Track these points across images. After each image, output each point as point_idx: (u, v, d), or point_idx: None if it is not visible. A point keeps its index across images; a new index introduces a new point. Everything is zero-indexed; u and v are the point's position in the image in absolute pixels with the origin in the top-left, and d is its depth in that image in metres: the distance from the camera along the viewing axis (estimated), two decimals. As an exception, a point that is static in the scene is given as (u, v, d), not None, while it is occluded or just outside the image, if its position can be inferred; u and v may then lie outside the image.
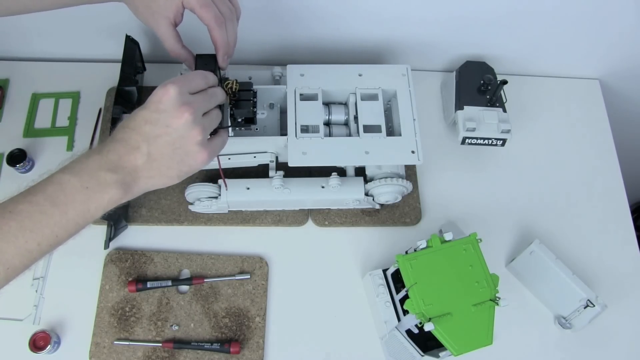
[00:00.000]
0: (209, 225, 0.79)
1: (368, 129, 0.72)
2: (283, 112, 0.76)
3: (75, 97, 0.87)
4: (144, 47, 0.82)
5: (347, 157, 0.71)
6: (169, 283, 0.74)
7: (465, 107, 0.82)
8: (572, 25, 0.84)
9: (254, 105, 0.67)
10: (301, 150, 0.70)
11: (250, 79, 0.77)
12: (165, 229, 0.79)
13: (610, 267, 0.81)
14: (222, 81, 0.63)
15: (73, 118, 0.85)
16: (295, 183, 0.74)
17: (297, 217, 0.80)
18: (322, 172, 0.75)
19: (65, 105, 0.86)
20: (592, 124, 0.92)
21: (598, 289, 0.76)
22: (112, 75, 0.81)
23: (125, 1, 0.60)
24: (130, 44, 0.78)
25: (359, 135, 0.72)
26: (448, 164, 0.86)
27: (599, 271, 0.80)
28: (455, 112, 0.83)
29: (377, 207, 0.79)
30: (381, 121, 0.73)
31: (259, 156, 0.74)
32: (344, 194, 0.75)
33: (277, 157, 0.75)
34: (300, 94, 0.73)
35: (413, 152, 0.71)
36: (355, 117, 0.74)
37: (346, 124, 0.76)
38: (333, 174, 0.73)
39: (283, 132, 0.73)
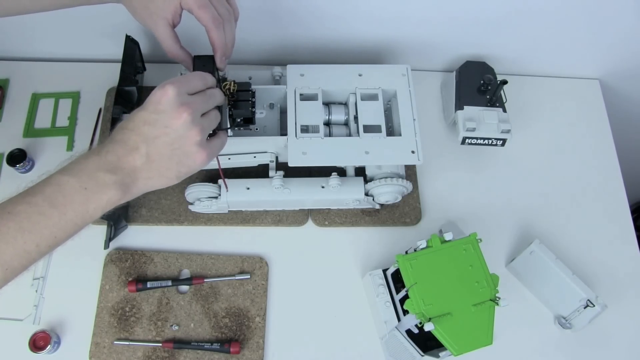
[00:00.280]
0: (209, 225, 0.79)
1: (368, 129, 0.72)
2: (283, 112, 0.76)
3: (75, 97, 0.87)
4: (144, 47, 0.82)
5: (347, 157, 0.71)
6: (169, 283, 0.74)
7: (465, 107, 0.82)
8: (572, 25, 0.84)
9: (253, 105, 0.68)
10: (301, 150, 0.70)
11: (250, 79, 0.77)
12: (165, 229, 0.79)
13: (610, 267, 0.81)
14: (220, 82, 0.63)
15: (73, 118, 0.85)
16: (295, 183, 0.74)
17: (297, 217, 0.80)
18: (322, 172, 0.75)
19: (65, 105, 0.86)
20: (592, 124, 0.92)
21: (598, 289, 0.76)
22: (112, 75, 0.81)
23: (123, 2, 0.60)
24: (130, 44, 0.78)
25: (359, 135, 0.72)
26: (448, 164, 0.86)
27: (599, 271, 0.80)
28: (455, 112, 0.83)
29: (377, 207, 0.79)
30: (381, 121, 0.73)
31: (259, 156, 0.74)
32: (344, 194, 0.75)
33: (277, 157, 0.75)
34: (300, 94, 0.73)
35: (413, 152, 0.71)
36: (355, 117, 0.74)
37: (346, 124, 0.76)
38: (333, 174, 0.73)
39: (283, 132, 0.73)
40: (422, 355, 0.65)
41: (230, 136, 0.68)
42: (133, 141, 0.51)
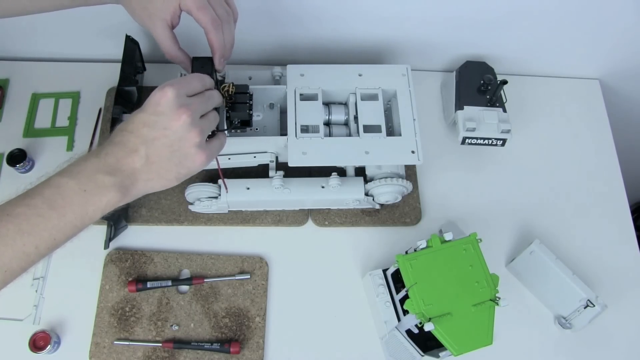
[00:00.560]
0: (209, 225, 0.79)
1: (368, 129, 0.72)
2: (283, 112, 0.76)
3: (75, 97, 0.87)
4: (144, 47, 0.82)
5: (347, 157, 0.71)
6: (169, 283, 0.74)
7: (465, 107, 0.82)
8: (572, 25, 0.84)
9: (250, 108, 0.68)
10: (301, 150, 0.70)
11: (250, 79, 0.77)
12: (165, 229, 0.79)
13: (610, 267, 0.81)
14: (218, 84, 0.63)
15: (73, 118, 0.85)
16: (295, 183, 0.74)
17: (297, 217, 0.80)
18: (322, 172, 0.75)
19: (65, 105, 0.86)
20: (592, 124, 0.92)
21: (598, 289, 0.76)
22: (112, 75, 0.81)
23: (122, 3, 0.60)
24: (130, 44, 0.78)
25: (359, 135, 0.72)
26: (448, 164, 0.86)
27: (599, 271, 0.80)
28: (455, 112, 0.83)
29: (377, 207, 0.79)
30: (381, 121, 0.73)
31: (259, 156, 0.74)
32: (344, 194, 0.75)
33: (277, 157, 0.75)
34: (300, 94, 0.73)
35: (413, 152, 0.71)
36: (355, 117, 0.74)
37: (346, 124, 0.76)
38: (333, 174, 0.73)
39: (283, 132, 0.73)
40: (422, 355, 0.65)
41: (228, 136, 0.69)
42: (132, 143, 0.51)
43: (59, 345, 0.71)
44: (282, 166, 0.73)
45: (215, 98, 0.57)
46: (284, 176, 0.73)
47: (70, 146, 0.83)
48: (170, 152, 0.52)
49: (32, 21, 0.69)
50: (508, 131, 0.79)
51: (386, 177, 0.73)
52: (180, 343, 0.71)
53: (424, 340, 0.65)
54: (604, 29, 0.84)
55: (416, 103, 0.74)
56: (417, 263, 0.63)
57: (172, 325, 0.72)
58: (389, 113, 0.78)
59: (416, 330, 0.65)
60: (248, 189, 0.74)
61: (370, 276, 0.73)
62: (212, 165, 0.61)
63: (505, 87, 0.80)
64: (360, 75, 0.76)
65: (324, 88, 0.74)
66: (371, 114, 0.73)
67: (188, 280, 0.74)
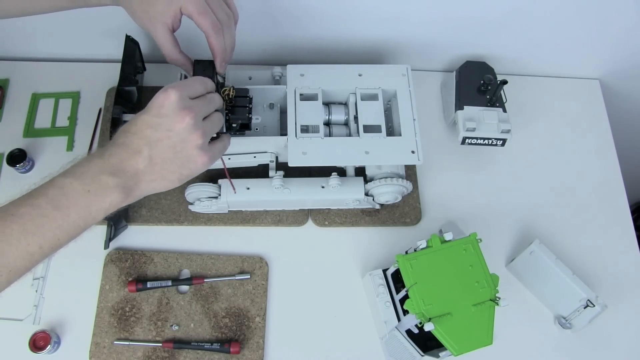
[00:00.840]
0: (209, 225, 0.79)
1: (368, 129, 0.72)
2: (283, 112, 0.76)
3: (75, 97, 0.87)
4: (144, 47, 0.82)
5: (347, 157, 0.71)
6: (169, 283, 0.74)
7: (465, 107, 0.82)
8: (572, 25, 0.84)
9: (250, 111, 0.69)
10: (301, 150, 0.70)
11: (250, 79, 0.77)
12: (165, 229, 0.79)
13: (610, 267, 0.81)
14: (219, 86, 0.64)
15: (73, 118, 0.85)
16: (295, 183, 0.74)
17: (297, 217, 0.80)
18: (322, 172, 0.75)
19: (65, 105, 0.86)
20: (592, 124, 0.92)
21: (598, 289, 0.76)
22: (112, 75, 0.81)
23: (123, 5, 0.60)
24: (130, 44, 0.78)
25: (359, 135, 0.72)
26: (448, 164, 0.86)
27: (599, 271, 0.80)
28: (455, 112, 0.83)
29: (377, 207, 0.79)
30: (381, 121, 0.73)
31: (259, 156, 0.74)
32: (344, 194, 0.75)
33: (277, 157, 0.75)
34: (300, 94, 0.73)
35: (413, 152, 0.71)
36: (355, 117, 0.74)
37: (346, 124, 0.76)
38: (333, 174, 0.73)
39: (283, 132, 0.73)
40: (422, 355, 0.65)
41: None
42: (136, 144, 0.51)
43: (59, 345, 0.71)
44: (282, 166, 0.73)
45: (217, 101, 0.58)
46: (284, 176, 0.73)
47: (70, 146, 0.83)
48: (173, 154, 0.52)
49: (32, 21, 0.69)
50: (508, 131, 0.79)
51: (386, 177, 0.73)
52: (180, 343, 0.71)
53: (424, 340, 0.65)
54: (604, 29, 0.84)
55: (416, 103, 0.74)
56: (417, 263, 0.63)
57: (172, 325, 0.72)
58: (389, 113, 0.78)
59: (416, 330, 0.65)
60: (248, 189, 0.74)
61: (370, 276, 0.73)
62: (214, 165, 0.61)
63: (505, 87, 0.80)
64: (360, 75, 0.76)
65: (324, 88, 0.74)
66: (371, 114, 0.73)
67: (188, 280, 0.74)
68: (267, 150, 0.74)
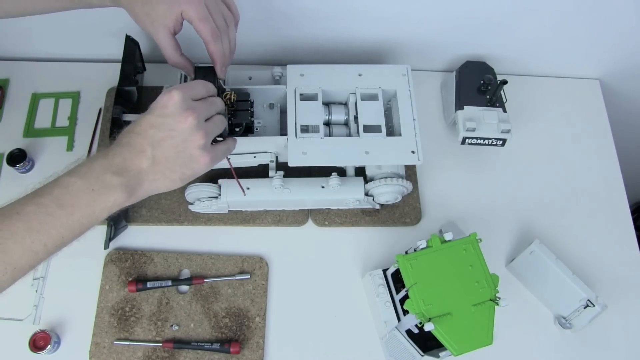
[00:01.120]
0: (209, 225, 0.79)
1: (368, 129, 0.72)
2: (283, 112, 0.76)
3: (75, 97, 0.87)
4: (144, 47, 0.82)
5: (347, 157, 0.71)
6: (169, 283, 0.74)
7: (465, 107, 0.82)
8: (572, 25, 0.84)
9: (252, 115, 0.69)
10: (301, 150, 0.70)
11: (250, 79, 0.77)
12: (165, 229, 0.79)
13: (610, 267, 0.81)
14: (220, 91, 0.65)
15: (73, 118, 0.85)
16: (295, 183, 0.74)
17: (297, 217, 0.80)
18: (322, 172, 0.75)
19: (65, 105, 0.86)
20: (592, 124, 0.92)
21: (598, 289, 0.76)
22: (112, 75, 0.81)
23: (125, 8, 0.61)
24: (130, 43, 0.78)
25: (359, 135, 0.72)
26: (448, 164, 0.86)
27: (599, 271, 0.80)
28: (455, 112, 0.83)
29: (377, 207, 0.79)
30: (381, 121, 0.73)
31: (259, 156, 0.74)
32: (344, 194, 0.75)
33: (277, 157, 0.75)
34: (300, 94, 0.73)
35: (413, 152, 0.71)
36: (355, 117, 0.74)
37: (346, 124, 0.76)
38: (333, 174, 0.73)
39: (283, 132, 0.73)
40: (422, 355, 0.65)
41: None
42: (139, 144, 0.52)
43: (59, 345, 0.71)
44: (282, 166, 0.73)
45: (218, 104, 0.59)
46: (284, 176, 0.73)
47: (70, 146, 0.83)
48: (176, 153, 0.53)
49: (32, 21, 0.69)
50: (508, 131, 0.79)
51: (386, 177, 0.73)
52: (180, 343, 0.71)
53: (424, 340, 0.65)
54: (604, 29, 0.84)
55: (416, 103, 0.74)
56: (417, 263, 0.63)
57: (172, 325, 0.72)
58: (389, 113, 0.78)
59: (416, 330, 0.65)
60: (248, 189, 0.74)
61: (370, 276, 0.73)
62: (217, 166, 0.62)
63: (505, 87, 0.80)
64: (360, 75, 0.76)
65: (324, 88, 0.74)
66: (371, 114, 0.73)
67: (188, 280, 0.74)
68: (267, 150, 0.74)
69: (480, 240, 0.65)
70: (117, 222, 0.75)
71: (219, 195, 0.74)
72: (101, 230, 0.75)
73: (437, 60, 0.93)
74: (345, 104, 0.76)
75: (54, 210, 0.48)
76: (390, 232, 0.81)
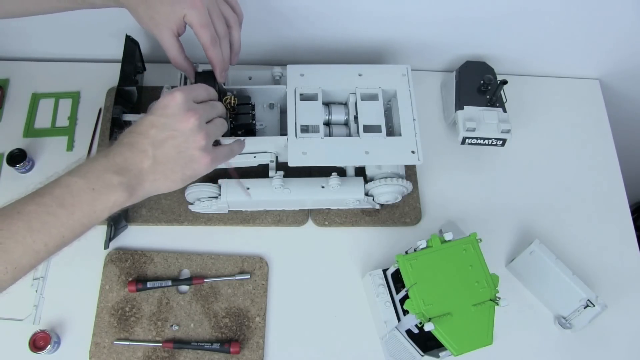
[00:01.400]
0: (209, 225, 0.79)
1: (368, 129, 0.72)
2: (283, 112, 0.76)
3: (75, 97, 0.87)
4: (144, 47, 0.82)
5: (347, 157, 0.71)
6: (169, 283, 0.74)
7: (465, 107, 0.82)
8: (572, 25, 0.84)
9: (253, 117, 0.70)
10: (301, 150, 0.70)
11: (250, 79, 0.77)
12: (165, 229, 0.79)
13: (610, 267, 0.81)
14: (220, 93, 0.67)
15: (73, 118, 0.85)
16: (295, 183, 0.74)
17: (297, 217, 0.80)
18: (322, 172, 0.75)
19: (65, 105, 0.86)
20: (592, 124, 0.92)
21: (598, 289, 0.76)
22: (112, 75, 0.81)
23: (129, 10, 0.61)
24: (130, 43, 0.78)
25: (359, 135, 0.72)
26: (448, 164, 0.86)
27: (599, 271, 0.80)
28: (455, 112, 0.83)
29: (377, 207, 0.79)
30: (381, 121, 0.73)
31: (259, 156, 0.74)
32: (344, 194, 0.75)
33: (277, 157, 0.75)
34: (300, 94, 0.73)
35: (413, 152, 0.71)
36: (355, 117, 0.74)
37: (346, 124, 0.76)
38: (333, 174, 0.73)
39: (283, 132, 0.73)
40: (422, 355, 0.65)
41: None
42: (141, 144, 0.53)
43: (59, 345, 0.71)
44: (282, 166, 0.73)
45: (219, 108, 0.60)
46: (284, 176, 0.73)
47: (70, 146, 0.83)
48: (177, 153, 0.53)
49: (32, 21, 0.69)
50: (508, 131, 0.79)
51: (386, 177, 0.73)
52: (180, 343, 0.71)
53: (424, 340, 0.65)
54: (604, 29, 0.84)
55: (416, 103, 0.74)
56: (417, 263, 0.63)
57: (172, 325, 0.72)
58: (389, 113, 0.78)
59: (416, 330, 0.65)
60: (248, 189, 0.74)
61: (370, 276, 0.73)
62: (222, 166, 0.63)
63: (505, 87, 0.80)
64: (360, 75, 0.76)
65: (324, 88, 0.74)
66: (371, 114, 0.73)
67: (188, 280, 0.74)
68: (267, 150, 0.74)
69: (480, 240, 0.65)
70: (117, 222, 0.75)
71: (219, 195, 0.74)
72: (101, 230, 0.75)
73: (437, 60, 0.93)
74: (345, 104, 0.76)
75: (54, 210, 0.49)
76: (390, 232, 0.81)
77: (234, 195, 0.74)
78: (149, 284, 0.73)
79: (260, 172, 0.76)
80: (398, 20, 0.83)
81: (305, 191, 0.74)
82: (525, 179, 0.87)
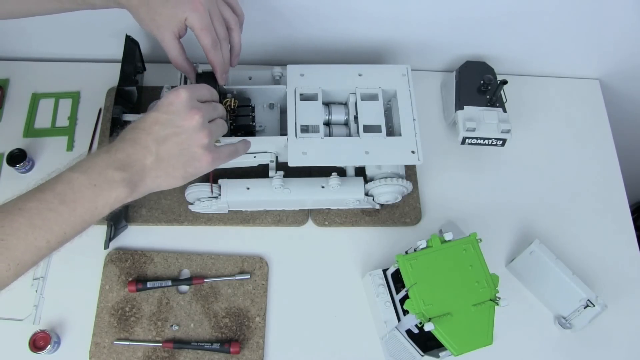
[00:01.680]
0: (209, 225, 0.79)
1: (368, 129, 0.72)
2: (283, 112, 0.76)
3: (75, 97, 0.87)
4: (144, 47, 0.82)
5: (347, 157, 0.71)
6: (169, 283, 0.74)
7: (465, 107, 0.82)
8: (572, 25, 0.84)
9: (253, 119, 0.71)
10: (301, 150, 0.70)
11: (250, 79, 0.77)
12: (165, 229, 0.79)
13: (610, 267, 0.81)
14: (220, 95, 0.67)
15: (73, 118, 0.85)
16: (295, 183, 0.74)
17: (297, 217, 0.80)
18: (322, 172, 0.75)
19: (65, 105, 0.86)
20: (592, 124, 0.92)
21: (598, 289, 0.76)
22: (112, 75, 0.81)
23: (130, 11, 0.62)
24: (130, 44, 0.78)
25: (359, 135, 0.72)
26: (448, 164, 0.86)
27: (599, 271, 0.80)
28: (455, 112, 0.83)
29: (377, 207, 0.79)
30: (381, 121, 0.73)
31: (259, 156, 0.74)
32: (344, 194, 0.75)
33: (277, 157, 0.75)
34: (300, 94, 0.73)
35: (413, 152, 0.71)
36: (355, 117, 0.74)
37: (346, 124, 0.76)
38: (333, 174, 0.73)
39: (283, 132, 0.73)
40: (422, 355, 0.65)
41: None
42: (144, 140, 0.53)
43: (59, 345, 0.71)
44: (282, 166, 0.73)
45: (220, 110, 0.60)
46: (284, 176, 0.73)
47: (70, 146, 0.83)
48: (180, 151, 0.54)
49: (32, 22, 0.69)
50: (508, 131, 0.79)
51: (386, 177, 0.73)
52: (180, 343, 0.71)
53: (424, 340, 0.65)
54: (604, 29, 0.84)
55: (416, 103, 0.74)
56: (417, 263, 0.63)
57: (172, 325, 0.72)
58: (389, 113, 0.78)
59: (416, 330, 0.65)
60: (248, 189, 0.74)
61: (370, 276, 0.73)
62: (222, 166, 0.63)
63: (505, 87, 0.80)
64: (360, 75, 0.76)
65: (324, 88, 0.74)
66: (371, 114, 0.73)
67: (188, 280, 0.74)
68: (267, 150, 0.74)
69: (480, 240, 0.65)
70: (117, 222, 0.75)
71: (219, 195, 0.74)
72: (101, 230, 0.75)
73: (437, 60, 0.93)
74: (345, 104, 0.76)
75: (56, 206, 0.49)
76: (390, 232, 0.81)
77: (234, 195, 0.74)
78: (149, 284, 0.73)
79: (260, 172, 0.76)
80: (398, 20, 0.83)
81: (305, 191, 0.74)
82: (525, 179, 0.87)
